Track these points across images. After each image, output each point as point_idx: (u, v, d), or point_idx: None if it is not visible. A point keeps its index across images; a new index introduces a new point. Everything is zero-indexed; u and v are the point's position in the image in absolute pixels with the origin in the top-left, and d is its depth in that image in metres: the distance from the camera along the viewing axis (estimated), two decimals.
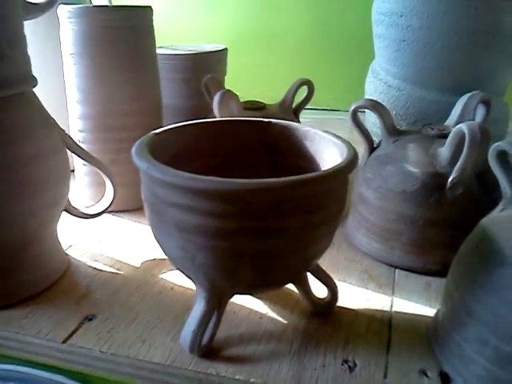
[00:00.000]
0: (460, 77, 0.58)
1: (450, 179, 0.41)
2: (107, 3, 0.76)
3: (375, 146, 0.50)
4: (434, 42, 0.57)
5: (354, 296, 0.41)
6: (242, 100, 0.58)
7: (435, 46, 0.57)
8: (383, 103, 0.62)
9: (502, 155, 0.33)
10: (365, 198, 0.47)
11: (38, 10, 0.41)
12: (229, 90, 0.50)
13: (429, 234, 0.43)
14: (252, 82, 1.00)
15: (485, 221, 0.33)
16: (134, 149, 0.32)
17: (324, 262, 0.37)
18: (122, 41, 0.50)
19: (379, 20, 0.62)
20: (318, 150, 0.38)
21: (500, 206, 0.33)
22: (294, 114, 0.59)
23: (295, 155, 0.39)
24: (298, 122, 0.58)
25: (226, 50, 0.74)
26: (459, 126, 0.40)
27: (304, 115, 0.66)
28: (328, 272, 0.38)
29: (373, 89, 0.65)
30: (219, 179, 0.26)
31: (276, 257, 0.31)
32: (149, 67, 0.55)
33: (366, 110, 0.65)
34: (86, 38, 0.49)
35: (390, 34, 0.60)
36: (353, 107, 0.47)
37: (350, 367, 0.33)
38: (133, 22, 0.51)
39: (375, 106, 0.47)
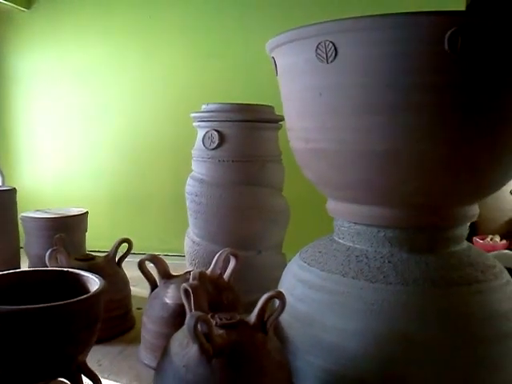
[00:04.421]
0: (238, 237, 0.84)
1: None
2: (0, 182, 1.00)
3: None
4: (215, 214, 0.83)
5: None
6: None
7: (217, 216, 0.83)
8: (191, 255, 0.86)
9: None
10: (144, 323, 0.67)
11: None
12: (55, 249, 0.72)
13: None
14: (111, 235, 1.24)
15: None
16: None
17: (112, 370, 0.60)
18: None
19: (186, 197, 0.88)
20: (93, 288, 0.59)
21: None
22: (118, 263, 0.80)
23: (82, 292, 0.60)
24: (120, 268, 0.80)
25: (86, 213, 0.97)
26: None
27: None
28: (112, 375, 0.59)
29: (185, 243, 0.90)
30: None
31: (36, 356, 0.50)
32: (9, 230, 0.77)
33: None
34: None
35: (192, 207, 0.87)
36: (139, 260, 0.70)
37: None
38: None
39: (153, 259, 0.69)
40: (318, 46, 0.52)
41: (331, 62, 0.52)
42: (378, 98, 0.51)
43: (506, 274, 0.61)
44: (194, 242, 0.86)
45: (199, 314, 0.46)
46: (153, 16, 1.22)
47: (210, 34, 1.19)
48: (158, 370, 0.50)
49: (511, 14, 0.47)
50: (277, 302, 0.52)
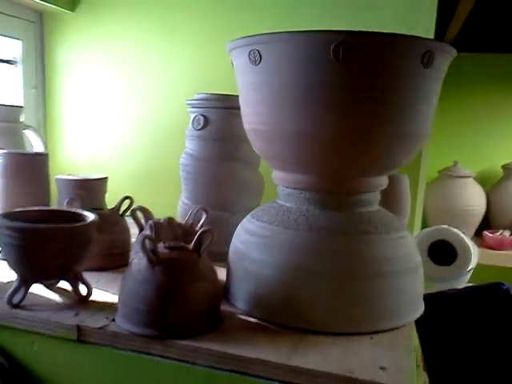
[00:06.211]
0: (217, 200, 1.05)
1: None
2: (43, 150, 1.26)
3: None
4: (201, 181, 1.04)
5: (104, 295, 0.82)
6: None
7: (201, 183, 1.04)
8: (181, 213, 1.07)
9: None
10: (132, 256, 0.90)
11: None
12: (73, 198, 0.95)
13: None
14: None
15: None
16: None
17: (105, 284, 0.83)
18: (24, 169, 0.97)
19: (180, 167, 1.10)
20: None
21: None
22: (121, 215, 1.03)
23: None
24: (122, 218, 1.02)
25: (106, 177, 1.21)
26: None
27: None
28: (104, 287, 0.82)
29: (178, 205, 1.12)
30: (24, 224, 0.71)
31: (42, 263, 0.74)
32: (42, 187, 1.02)
33: None
34: None
35: (183, 176, 1.08)
36: (132, 208, 0.92)
37: (78, 326, 0.73)
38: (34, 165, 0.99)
39: (141, 208, 0.92)
40: (250, 53, 0.72)
41: (258, 64, 0.72)
42: (290, 93, 0.70)
43: (403, 232, 0.78)
44: (184, 203, 1.08)
45: (147, 233, 0.67)
46: (169, 15, 1.44)
47: (218, 33, 1.39)
48: (125, 275, 0.72)
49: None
50: None
